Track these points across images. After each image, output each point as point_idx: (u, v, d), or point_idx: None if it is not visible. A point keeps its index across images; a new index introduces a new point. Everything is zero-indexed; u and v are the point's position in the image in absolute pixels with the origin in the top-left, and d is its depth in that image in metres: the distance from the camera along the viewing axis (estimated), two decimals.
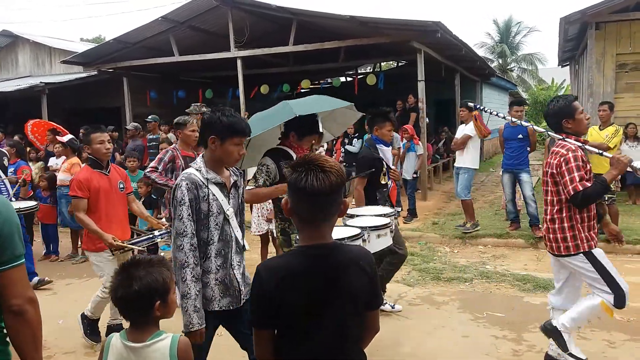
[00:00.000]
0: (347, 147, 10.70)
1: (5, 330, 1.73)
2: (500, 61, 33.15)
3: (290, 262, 1.70)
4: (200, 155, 2.65)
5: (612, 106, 7.37)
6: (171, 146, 5.26)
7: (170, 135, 9.03)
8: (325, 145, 11.82)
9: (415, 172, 9.02)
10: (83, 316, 4.34)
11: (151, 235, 4.18)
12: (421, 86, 10.08)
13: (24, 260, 1.74)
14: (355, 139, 10.74)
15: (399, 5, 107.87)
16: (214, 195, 2.54)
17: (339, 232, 3.41)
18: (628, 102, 9.46)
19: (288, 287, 1.64)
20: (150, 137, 9.25)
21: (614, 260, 6.27)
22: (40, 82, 12.32)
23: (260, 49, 10.94)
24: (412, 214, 8.73)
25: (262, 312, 1.67)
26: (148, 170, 5.02)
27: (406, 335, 4.31)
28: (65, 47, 15.21)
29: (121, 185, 4.34)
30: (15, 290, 1.68)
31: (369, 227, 3.59)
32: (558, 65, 15.38)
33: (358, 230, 3.47)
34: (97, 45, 13.64)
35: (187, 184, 2.49)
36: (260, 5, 10.49)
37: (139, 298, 1.92)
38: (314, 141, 3.64)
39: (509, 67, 33.25)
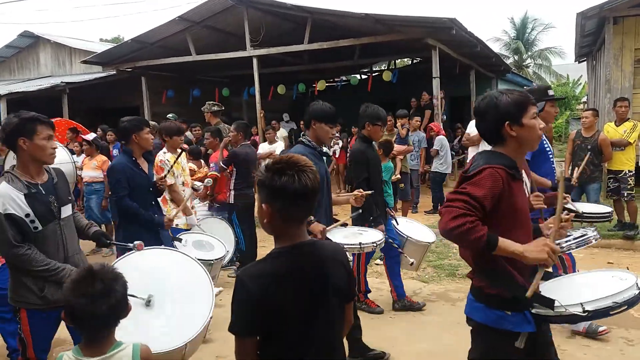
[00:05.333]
0: None
1: None
2: (516, 57, 32.80)
3: (276, 266, 1.66)
4: None
5: (628, 103, 7.35)
6: None
7: (188, 134, 9.15)
8: (341, 143, 11.88)
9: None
10: None
11: None
12: (436, 83, 10.07)
13: None
14: None
15: (414, 2, 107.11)
16: None
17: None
18: None
19: (280, 290, 1.62)
20: None
21: (632, 257, 6.25)
22: (61, 82, 12.58)
23: (276, 47, 11.03)
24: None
25: (249, 320, 1.63)
26: None
27: (422, 331, 4.36)
28: (85, 47, 15.47)
29: None
30: None
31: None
32: (575, 61, 15.18)
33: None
34: (115, 45, 13.83)
35: None
36: (275, 4, 10.58)
37: (111, 314, 1.82)
38: None
39: (524, 63, 32.87)
